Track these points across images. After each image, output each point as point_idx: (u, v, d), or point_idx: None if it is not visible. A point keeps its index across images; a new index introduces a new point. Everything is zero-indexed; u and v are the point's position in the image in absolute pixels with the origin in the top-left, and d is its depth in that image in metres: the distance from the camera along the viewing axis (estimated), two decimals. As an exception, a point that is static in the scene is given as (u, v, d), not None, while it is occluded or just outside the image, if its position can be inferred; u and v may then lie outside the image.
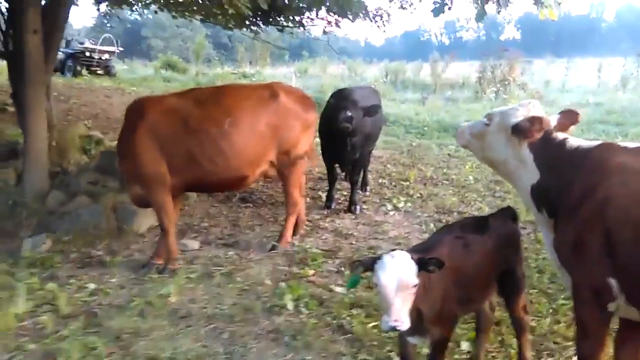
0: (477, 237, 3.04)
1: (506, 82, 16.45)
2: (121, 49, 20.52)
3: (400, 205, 6.85)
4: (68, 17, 7.68)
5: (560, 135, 2.92)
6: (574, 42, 67.79)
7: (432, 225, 6.09)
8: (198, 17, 9.84)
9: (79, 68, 17.44)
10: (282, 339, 3.65)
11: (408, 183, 8.01)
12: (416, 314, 2.67)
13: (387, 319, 2.45)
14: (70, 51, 18.20)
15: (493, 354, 3.52)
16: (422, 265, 2.57)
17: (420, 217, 6.45)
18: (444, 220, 6.36)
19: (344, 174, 7.56)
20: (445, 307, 2.80)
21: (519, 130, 2.91)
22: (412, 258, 2.56)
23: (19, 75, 6.32)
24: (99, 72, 17.84)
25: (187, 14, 9.64)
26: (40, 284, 4.41)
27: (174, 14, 9.77)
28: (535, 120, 2.87)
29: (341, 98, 6.10)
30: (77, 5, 12.38)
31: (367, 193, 7.47)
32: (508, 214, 3.33)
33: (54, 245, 5.35)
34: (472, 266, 2.95)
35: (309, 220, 6.22)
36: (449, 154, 10.49)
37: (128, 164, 4.74)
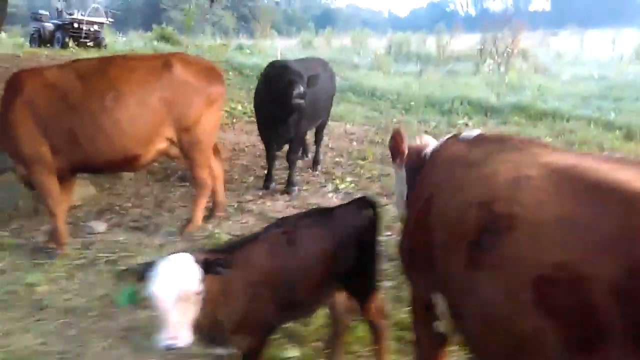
0: (311, 232, 2.63)
1: (508, 54, 15.56)
2: (111, 20, 20.15)
3: (342, 186, 6.41)
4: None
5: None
6: (604, 13, 64.89)
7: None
8: None
9: (67, 40, 17.22)
10: (133, 338, 3.32)
11: (364, 162, 7.54)
12: (214, 323, 2.30)
13: (161, 337, 2.07)
14: (59, 22, 17.97)
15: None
16: (208, 267, 2.18)
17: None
18: (382, 203, 5.93)
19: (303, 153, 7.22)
20: (252, 315, 2.41)
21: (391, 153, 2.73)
22: (196, 261, 2.17)
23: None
24: (88, 44, 17.51)
25: None
26: None
27: None
28: (393, 137, 2.67)
29: (285, 71, 5.60)
30: None
31: (317, 172, 7.05)
32: (362, 205, 2.88)
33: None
34: (298, 266, 2.54)
35: (238, 202, 5.86)
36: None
37: (7, 143, 4.40)
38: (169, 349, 2.10)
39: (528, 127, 10.39)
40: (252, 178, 6.75)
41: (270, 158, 6.33)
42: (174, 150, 4.73)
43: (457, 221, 1.94)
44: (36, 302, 3.74)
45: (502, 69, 14.66)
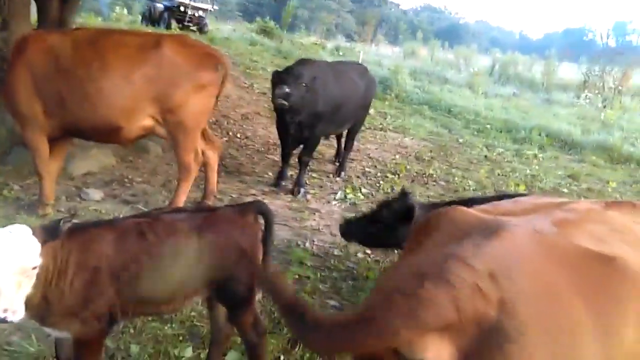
0: (172, 227, 2.46)
1: (614, 90, 14.09)
2: (216, 7, 21.10)
3: (351, 196, 6.13)
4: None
5: None
6: None
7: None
8: None
9: (171, 21, 18.32)
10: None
11: (394, 177, 7.18)
12: (44, 301, 2.23)
13: None
14: (167, 4, 19.20)
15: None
16: (45, 235, 2.10)
17: (359, 210, 5.70)
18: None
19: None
20: (84, 301, 2.29)
21: None
22: (34, 233, 2.10)
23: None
24: (191, 27, 18.46)
25: None
26: None
27: None
28: None
29: (285, 70, 5.50)
30: None
31: (338, 179, 6.81)
32: (249, 210, 2.66)
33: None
34: (149, 260, 2.39)
35: (239, 194, 5.82)
36: (485, 156, 9.28)
37: (9, 101, 4.67)
38: (1, 322, 2.04)
39: (605, 169, 9.34)
40: (271, 174, 6.67)
41: (283, 157, 6.22)
42: (162, 130, 4.75)
43: None
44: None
45: (602, 104, 13.28)
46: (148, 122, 4.63)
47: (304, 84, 5.32)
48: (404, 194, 3.82)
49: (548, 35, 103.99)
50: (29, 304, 2.12)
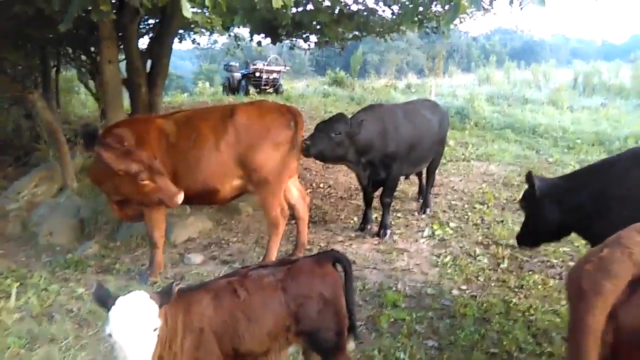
0: (261, 283, 2.63)
1: None
2: (288, 67, 22.02)
3: (439, 232, 6.07)
4: (172, 45, 8.67)
5: None
6: None
7: (450, 259, 5.33)
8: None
9: (249, 88, 19.41)
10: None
11: (482, 206, 7.02)
12: None
13: None
14: (244, 72, 20.35)
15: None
16: (162, 299, 2.31)
17: (450, 248, 5.64)
18: (473, 253, 5.48)
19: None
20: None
21: None
22: (151, 297, 2.32)
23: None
24: (268, 90, 19.49)
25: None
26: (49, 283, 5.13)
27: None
28: None
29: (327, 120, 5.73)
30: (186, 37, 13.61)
31: (423, 216, 6.78)
32: (329, 259, 2.78)
33: (100, 249, 6.13)
34: (242, 315, 2.56)
35: (327, 242, 5.97)
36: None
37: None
38: None
39: None
40: (356, 219, 6.78)
41: (366, 200, 6.33)
42: (252, 188, 5.10)
43: None
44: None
45: None
46: (237, 181, 5.03)
47: (334, 134, 5.44)
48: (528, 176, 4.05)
49: (634, 37, 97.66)
50: None
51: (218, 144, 4.89)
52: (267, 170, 4.97)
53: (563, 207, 3.83)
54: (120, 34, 7.92)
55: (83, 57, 12.34)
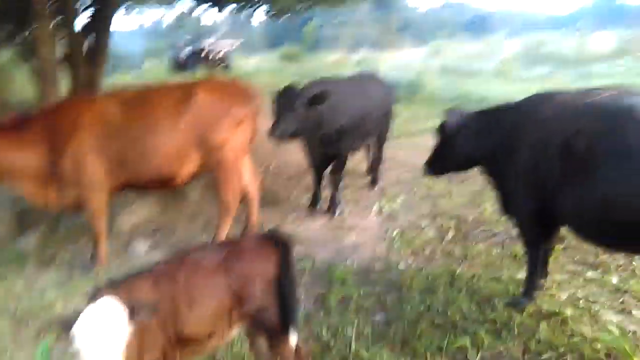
0: (197, 266, 2.56)
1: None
2: (239, 43, 21.66)
3: (387, 206, 6.12)
4: (111, 23, 8.30)
5: None
6: None
7: (397, 233, 5.38)
8: None
9: (198, 64, 18.97)
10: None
11: (430, 180, 7.09)
12: None
13: None
14: (193, 49, 19.87)
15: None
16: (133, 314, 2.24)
17: (398, 222, 5.70)
18: (422, 227, 5.56)
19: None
20: (141, 352, 2.39)
21: None
22: (122, 303, 2.22)
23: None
24: (217, 66, 19.11)
25: None
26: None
27: None
28: None
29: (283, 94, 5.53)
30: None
31: (373, 191, 6.82)
32: (271, 239, 2.73)
33: (41, 240, 5.88)
34: (183, 300, 2.49)
35: (279, 223, 5.92)
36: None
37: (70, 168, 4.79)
38: None
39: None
40: (306, 198, 6.74)
41: (316, 178, 6.28)
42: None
43: None
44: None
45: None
46: (196, 164, 4.85)
47: (301, 109, 5.31)
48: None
49: (579, 10, 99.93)
50: None
51: (176, 124, 4.65)
52: (227, 150, 4.82)
53: (474, 141, 4.04)
54: (57, 10, 7.55)
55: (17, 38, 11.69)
